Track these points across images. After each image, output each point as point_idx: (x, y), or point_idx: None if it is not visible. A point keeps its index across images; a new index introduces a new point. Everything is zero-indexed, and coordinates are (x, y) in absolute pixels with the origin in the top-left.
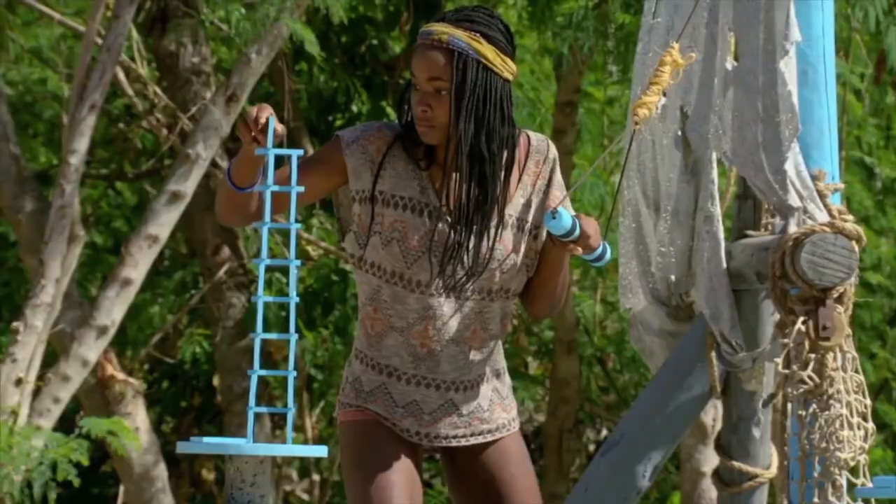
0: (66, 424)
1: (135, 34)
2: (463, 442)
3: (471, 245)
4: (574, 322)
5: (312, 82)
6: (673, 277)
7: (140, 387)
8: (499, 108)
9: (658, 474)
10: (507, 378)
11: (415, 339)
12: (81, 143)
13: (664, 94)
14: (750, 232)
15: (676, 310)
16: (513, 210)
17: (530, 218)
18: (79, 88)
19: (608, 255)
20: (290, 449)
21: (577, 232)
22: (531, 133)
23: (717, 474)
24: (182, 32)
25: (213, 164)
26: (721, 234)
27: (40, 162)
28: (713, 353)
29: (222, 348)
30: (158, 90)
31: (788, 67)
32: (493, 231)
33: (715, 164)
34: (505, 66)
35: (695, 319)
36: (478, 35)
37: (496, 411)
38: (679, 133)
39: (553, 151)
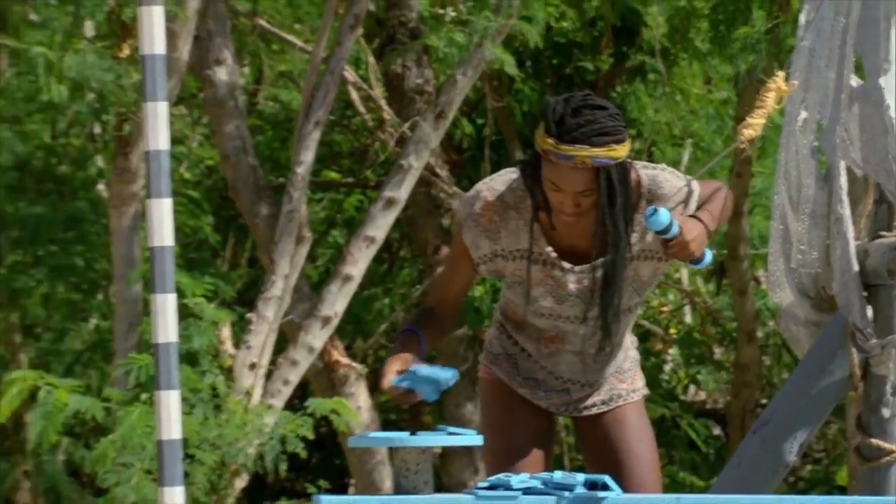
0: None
1: (370, 59)
2: (574, 413)
3: (615, 302)
4: (754, 313)
5: (525, 100)
6: (813, 273)
7: (363, 370)
8: (629, 183)
9: (830, 449)
10: (632, 353)
11: (544, 345)
12: (307, 155)
13: (805, 108)
14: (883, 233)
15: (820, 302)
16: (636, 244)
17: (650, 246)
18: (305, 107)
19: (706, 261)
20: (445, 439)
21: (673, 232)
22: (645, 173)
23: (858, 450)
24: (407, 56)
25: (434, 173)
26: (850, 235)
27: None
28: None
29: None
30: (387, 108)
31: (888, 84)
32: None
33: (844, 172)
34: (629, 148)
35: (837, 311)
36: (611, 144)
37: (611, 382)
38: (815, 143)
39: (664, 189)
